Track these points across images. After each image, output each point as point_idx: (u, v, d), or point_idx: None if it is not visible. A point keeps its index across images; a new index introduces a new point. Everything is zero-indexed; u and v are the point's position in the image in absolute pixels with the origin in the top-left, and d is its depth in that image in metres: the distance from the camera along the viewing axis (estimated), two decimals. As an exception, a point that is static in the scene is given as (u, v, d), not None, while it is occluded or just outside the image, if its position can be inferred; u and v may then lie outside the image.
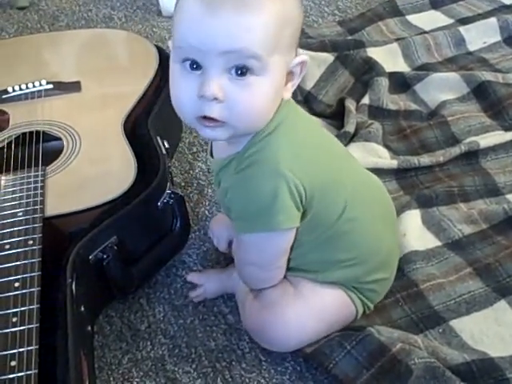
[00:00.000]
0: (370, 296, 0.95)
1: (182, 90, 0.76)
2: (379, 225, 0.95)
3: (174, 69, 0.77)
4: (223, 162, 0.85)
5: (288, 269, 0.92)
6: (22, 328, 0.77)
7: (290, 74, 0.79)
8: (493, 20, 1.67)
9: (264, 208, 0.80)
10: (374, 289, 0.95)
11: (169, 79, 0.79)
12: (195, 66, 0.73)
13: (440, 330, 0.96)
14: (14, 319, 0.79)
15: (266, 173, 0.79)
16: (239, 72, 0.72)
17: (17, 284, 0.84)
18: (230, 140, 0.80)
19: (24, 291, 0.82)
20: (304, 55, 0.80)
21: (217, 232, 1.10)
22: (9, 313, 0.79)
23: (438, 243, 1.10)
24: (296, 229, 0.85)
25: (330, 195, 0.86)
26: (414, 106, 1.44)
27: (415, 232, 1.11)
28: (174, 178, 1.27)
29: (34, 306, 0.80)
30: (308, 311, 0.91)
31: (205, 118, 0.75)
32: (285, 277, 0.93)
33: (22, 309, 0.80)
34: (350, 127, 1.32)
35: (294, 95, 1.46)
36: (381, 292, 0.98)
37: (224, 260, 1.12)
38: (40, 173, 1.03)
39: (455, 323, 0.97)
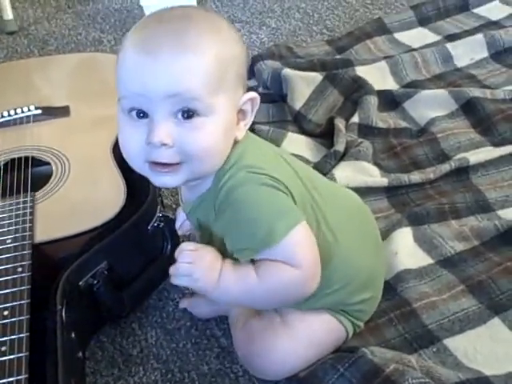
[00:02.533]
0: (359, 315, 0.94)
1: (131, 138, 0.76)
2: (359, 245, 0.93)
3: (122, 119, 0.77)
4: (194, 203, 0.84)
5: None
6: (11, 357, 0.77)
7: (240, 113, 0.79)
8: (480, 36, 1.69)
9: (274, 215, 0.77)
10: (361, 309, 0.94)
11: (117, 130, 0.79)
12: (142, 114, 0.74)
13: (434, 349, 0.95)
14: (3, 348, 0.78)
15: (253, 187, 0.77)
16: (185, 115, 0.73)
17: (6, 312, 0.83)
18: (191, 184, 0.80)
19: (13, 319, 0.82)
20: (253, 92, 0.80)
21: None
22: (-2, 342, 0.79)
23: (430, 261, 1.10)
24: None
25: (310, 206, 0.85)
26: (403, 124, 1.45)
27: (407, 250, 1.11)
28: (165, 200, 1.27)
29: (24, 335, 0.80)
30: (296, 340, 0.89)
31: (156, 163, 0.75)
32: None
33: (12, 337, 0.79)
34: (339, 146, 1.32)
35: (284, 115, 1.50)
36: (369, 311, 0.97)
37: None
38: (29, 199, 1.03)
39: (449, 342, 0.96)
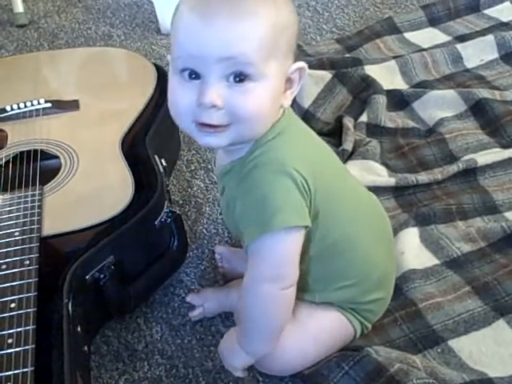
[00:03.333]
0: (368, 316, 0.95)
1: (181, 98, 0.77)
2: (376, 244, 0.95)
3: (173, 80, 0.78)
4: (225, 168, 0.86)
5: None
6: (17, 349, 0.77)
7: (288, 82, 0.80)
8: (490, 37, 1.68)
9: (275, 206, 0.78)
10: (371, 309, 0.95)
11: (167, 95, 0.80)
12: (194, 75, 0.75)
13: (439, 350, 0.95)
14: (10, 340, 0.78)
15: (273, 171, 0.79)
16: (237, 79, 0.74)
17: (13, 305, 0.83)
18: (230, 148, 0.81)
19: (20, 312, 0.82)
20: (302, 62, 0.81)
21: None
22: (4, 334, 0.79)
23: (437, 261, 1.09)
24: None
25: (333, 202, 0.86)
26: (411, 124, 1.44)
27: (413, 250, 1.11)
28: (172, 196, 1.27)
29: (30, 327, 0.80)
30: (305, 336, 0.90)
31: (204, 124, 0.76)
32: None
33: (18, 330, 0.80)
34: (347, 145, 1.32)
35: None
36: (378, 312, 0.97)
37: (222, 278, 1.12)
38: (37, 192, 1.03)
39: (454, 343, 0.96)
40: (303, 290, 0.91)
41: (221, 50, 0.72)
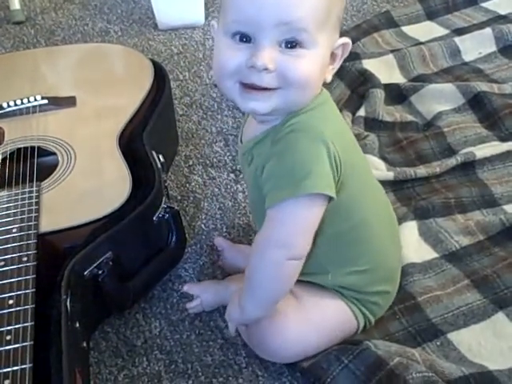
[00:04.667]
0: (373, 309, 0.95)
1: (230, 59, 0.77)
2: (389, 238, 0.96)
3: (221, 42, 0.79)
4: (257, 138, 0.85)
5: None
6: (16, 346, 0.77)
7: (332, 56, 0.81)
8: (488, 30, 1.67)
9: (306, 171, 0.78)
10: (376, 301, 0.95)
11: (214, 57, 0.81)
12: (245, 39, 0.76)
13: (438, 343, 0.95)
14: (8, 337, 0.78)
15: (310, 137, 0.79)
16: (289, 45, 0.75)
17: (11, 301, 0.83)
18: (267, 117, 0.82)
19: (18, 308, 0.82)
20: (346, 38, 0.82)
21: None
22: (2, 330, 0.79)
23: (435, 255, 1.09)
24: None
25: (358, 184, 0.87)
26: (409, 118, 1.44)
27: (412, 244, 1.11)
28: (170, 192, 1.27)
29: (29, 324, 0.80)
30: (309, 324, 0.90)
31: (250, 87, 0.76)
32: None
33: (16, 326, 0.79)
34: (346, 139, 1.32)
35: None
36: (383, 306, 0.97)
37: (220, 274, 1.12)
38: (35, 188, 1.03)
39: (453, 336, 0.96)
40: (316, 273, 0.91)
41: (279, 13, 0.73)
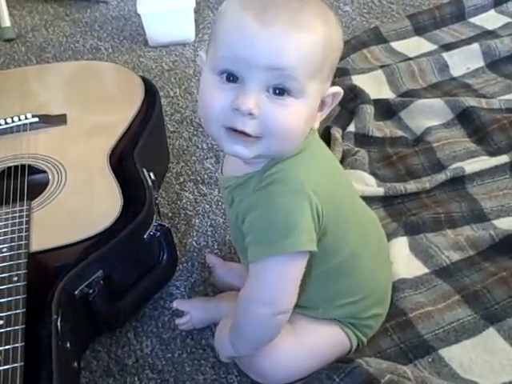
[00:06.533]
0: (366, 332, 0.95)
1: (214, 100, 0.74)
2: (378, 261, 0.96)
3: (209, 79, 0.76)
4: (238, 180, 0.83)
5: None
6: (6, 367, 0.76)
7: (321, 104, 0.79)
8: (475, 46, 1.69)
9: (288, 227, 0.76)
10: (370, 324, 0.95)
11: (199, 94, 0.79)
12: (232, 78, 0.73)
13: (429, 360, 0.95)
14: (-2, 358, 0.78)
15: (291, 191, 0.77)
16: (277, 91, 0.72)
17: (1, 322, 0.83)
18: (252, 160, 0.79)
19: (8, 329, 0.82)
20: (338, 87, 0.80)
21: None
22: (-8, 352, 0.78)
23: (426, 270, 1.10)
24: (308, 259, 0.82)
25: (342, 226, 0.85)
26: (399, 133, 1.45)
27: (403, 260, 1.11)
28: (161, 209, 1.27)
29: (19, 345, 0.79)
30: (301, 348, 0.90)
31: (235, 131, 0.74)
32: None
33: (6, 347, 0.79)
34: (336, 155, 1.32)
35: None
36: (375, 327, 0.98)
37: (212, 291, 1.11)
38: (25, 207, 1.03)
39: (444, 352, 0.96)
40: (307, 307, 0.91)
41: (271, 57, 0.70)
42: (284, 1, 0.72)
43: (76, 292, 0.93)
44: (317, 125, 0.81)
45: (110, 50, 1.93)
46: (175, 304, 1.05)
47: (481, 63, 1.67)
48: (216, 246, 1.20)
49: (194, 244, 1.21)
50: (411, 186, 1.27)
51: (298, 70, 0.71)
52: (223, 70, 0.73)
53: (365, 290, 0.91)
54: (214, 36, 0.76)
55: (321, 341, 0.92)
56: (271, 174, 0.78)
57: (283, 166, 0.79)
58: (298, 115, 0.75)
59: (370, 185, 1.28)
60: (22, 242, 0.95)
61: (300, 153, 0.80)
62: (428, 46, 1.79)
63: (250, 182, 0.81)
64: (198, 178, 1.38)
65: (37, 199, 1.06)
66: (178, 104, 1.63)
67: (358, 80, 1.60)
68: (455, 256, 1.11)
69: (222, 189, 0.92)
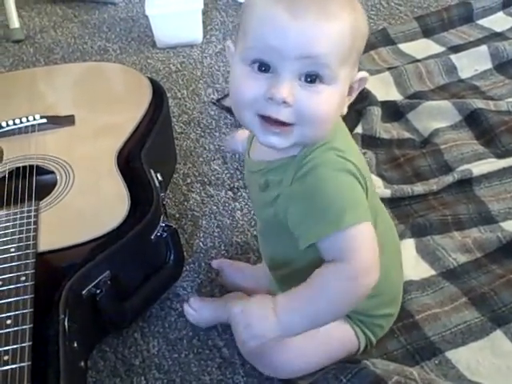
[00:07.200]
0: (376, 331, 0.95)
1: (247, 89, 0.75)
2: (392, 259, 0.96)
3: (240, 69, 0.77)
4: (271, 164, 0.84)
5: None
6: (13, 366, 0.77)
7: (349, 89, 0.80)
8: (484, 48, 1.69)
9: (345, 205, 0.77)
10: (381, 324, 0.95)
11: (230, 85, 0.80)
12: (264, 68, 0.74)
13: (436, 362, 0.95)
14: (6, 357, 0.78)
15: (337, 170, 0.78)
16: (309, 79, 0.73)
17: (9, 321, 0.83)
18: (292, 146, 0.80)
19: (16, 328, 0.82)
20: (364, 72, 0.81)
21: None
22: (0, 351, 0.79)
23: (433, 272, 1.10)
24: None
25: (372, 202, 0.85)
26: (406, 135, 1.45)
27: (410, 261, 1.11)
28: (168, 210, 1.27)
29: (26, 344, 0.80)
30: (311, 341, 0.90)
31: (269, 120, 0.75)
32: None
33: (14, 347, 0.79)
34: (343, 157, 1.32)
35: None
36: (386, 328, 0.98)
37: (219, 292, 1.12)
38: (33, 207, 1.03)
39: (451, 354, 0.96)
40: None
41: (303, 46, 0.71)
42: None
43: (83, 292, 0.94)
44: (345, 110, 0.82)
45: (118, 52, 1.93)
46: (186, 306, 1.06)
47: (489, 65, 1.66)
48: (223, 247, 1.21)
49: (201, 245, 1.22)
50: (418, 187, 1.27)
51: (329, 57, 0.72)
52: (255, 59, 0.74)
53: (380, 287, 0.90)
54: (243, 27, 0.77)
55: (332, 337, 0.91)
56: (310, 161, 0.79)
57: (321, 150, 0.79)
58: (331, 101, 0.76)
59: (377, 186, 1.28)
60: (30, 242, 0.96)
61: (336, 134, 0.81)
62: (436, 48, 1.79)
63: (287, 167, 0.81)
64: (205, 180, 1.38)
65: (45, 199, 1.06)
66: (186, 105, 1.63)
67: (365, 82, 1.59)
68: (462, 258, 1.11)
69: (247, 172, 0.92)
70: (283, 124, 0.75)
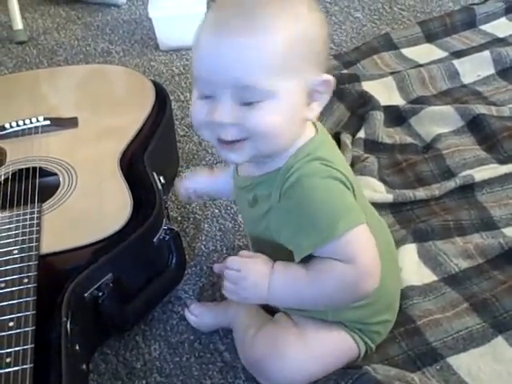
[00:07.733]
0: (374, 338, 0.95)
1: (195, 114, 0.80)
2: (386, 266, 0.94)
3: (194, 93, 0.81)
4: (256, 179, 0.85)
5: (298, 309, 0.92)
6: (15, 369, 0.77)
7: (314, 93, 0.79)
8: (486, 53, 1.69)
9: (337, 212, 0.78)
10: (378, 330, 0.95)
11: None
12: (206, 94, 0.77)
13: (437, 367, 0.95)
14: (8, 359, 0.78)
15: (322, 180, 0.79)
16: (246, 102, 0.75)
17: (11, 323, 0.83)
18: (259, 160, 0.82)
19: (18, 331, 0.82)
20: (327, 75, 0.80)
21: None
22: (2, 353, 0.79)
23: (435, 278, 1.10)
24: None
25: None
26: (409, 140, 1.45)
27: (411, 267, 1.11)
28: (171, 213, 1.27)
29: (29, 346, 0.80)
30: (308, 354, 0.90)
31: (222, 141, 0.78)
32: (288, 316, 0.93)
33: (16, 349, 0.79)
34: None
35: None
36: (384, 334, 0.97)
37: (220, 296, 1.11)
38: (36, 210, 1.04)
39: (452, 360, 0.96)
40: (315, 311, 0.91)
41: (224, 74, 0.74)
42: (236, 11, 0.74)
43: (86, 295, 0.94)
44: (313, 115, 0.81)
45: (121, 54, 1.94)
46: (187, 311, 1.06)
47: (491, 71, 1.66)
48: (225, 251, 1.21)
49: (203, 248, 1.22)
50: (420, 193, 1.27)
51: (253, 77, 0.73)
52: (197, 88, 0.79)
53: (373, 295, 0.90)
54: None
55: (328, 347, 0.91)
56: (294, 172, 0.79)
57: (305, 161, 0.80)
58: (272, 115, 0.76)
59: (379, 191, 1.28)
60: (33, 244, 0.96)
61: (320, 144, 0.82)
62: (439, 53, 1.79)
63: (273, 180, 0.82)
64: (208, 183, 1.38)
65: (48, 201, 1.07)
66: (189, 108, 1.63)
67: (368, 86, 1.60)
68: (464, 264, 1.11)
69: (236, 189, 0.93)
70: (233, 141, 0.77)
